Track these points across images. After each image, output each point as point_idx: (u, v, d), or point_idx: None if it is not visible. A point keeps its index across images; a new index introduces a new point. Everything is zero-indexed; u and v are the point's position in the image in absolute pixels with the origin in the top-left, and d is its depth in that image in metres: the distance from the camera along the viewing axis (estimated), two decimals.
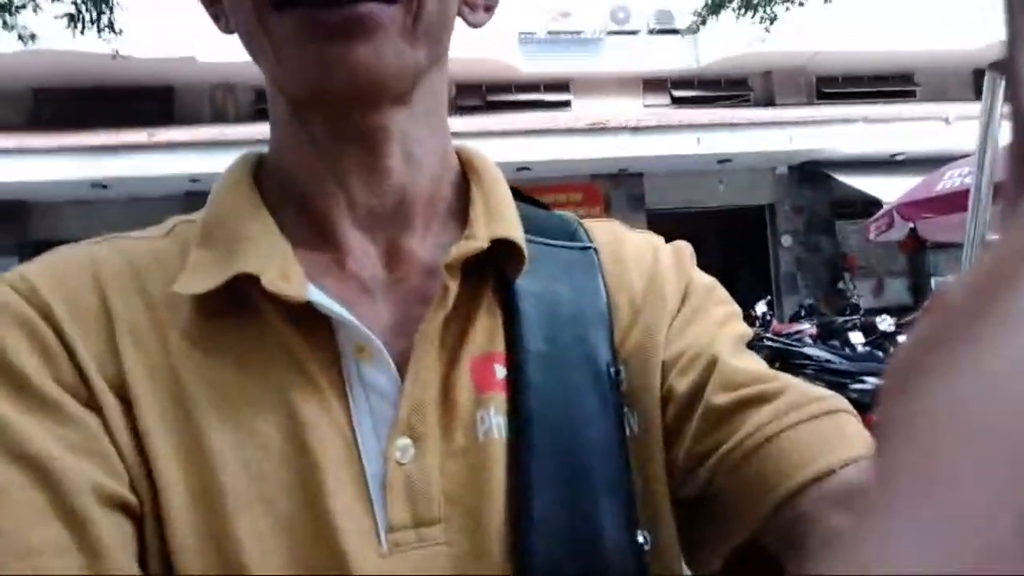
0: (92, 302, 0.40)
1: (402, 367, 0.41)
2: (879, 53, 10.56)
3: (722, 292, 0.51)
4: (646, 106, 11.00)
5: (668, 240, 0.54)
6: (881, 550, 0.13)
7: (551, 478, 0.40)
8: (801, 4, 7.56)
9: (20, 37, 6.30)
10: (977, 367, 0.13)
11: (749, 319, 6.98)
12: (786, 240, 10.18)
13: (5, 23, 5.85)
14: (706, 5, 7.86)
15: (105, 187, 8.55)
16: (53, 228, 9.20)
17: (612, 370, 0.44)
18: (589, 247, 0.50)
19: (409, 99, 0.43)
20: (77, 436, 0.36)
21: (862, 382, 4.16)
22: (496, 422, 0.41)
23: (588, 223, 0.53)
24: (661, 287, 0.49)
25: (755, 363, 0.45)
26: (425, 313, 0.42)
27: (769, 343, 5.00)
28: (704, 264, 0.52)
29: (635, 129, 8.91)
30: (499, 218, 0.46)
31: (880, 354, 5.54)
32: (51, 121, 9.24)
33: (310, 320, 0.40)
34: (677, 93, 11.08)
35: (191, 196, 9.20)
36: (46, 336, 0.38)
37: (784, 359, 4.56)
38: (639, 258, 0.51)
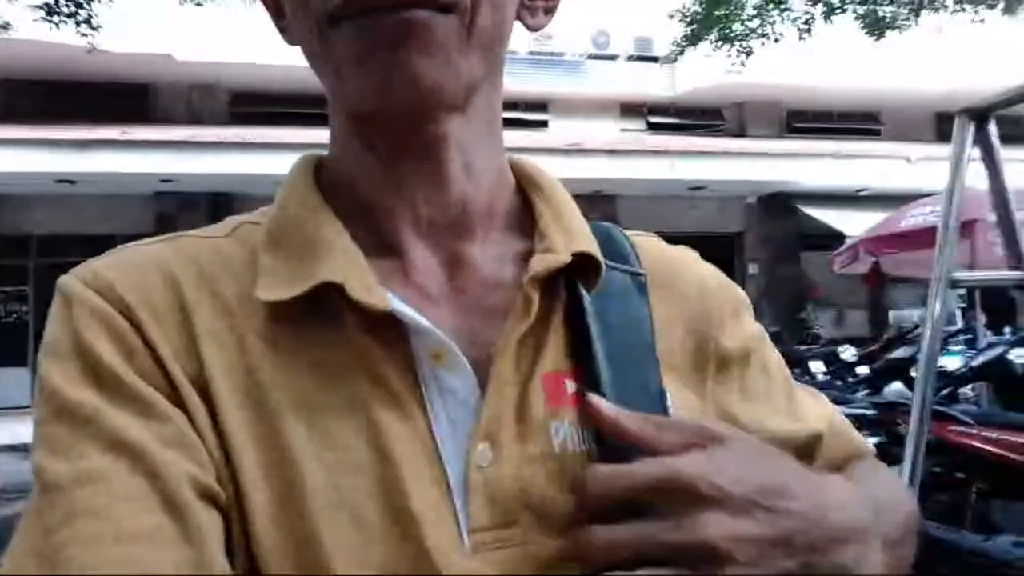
0: (167, 300, 0.40)
1: (476, 374, 0.41)
2: (848, 91, 10.92)
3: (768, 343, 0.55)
4: (622, 130, 11.19)
5: None
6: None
7: None
8: (776, 40, 7.82)
9: None
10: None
11: None
12: (752, 268, 10.40)
13: None
14: (685, 36, 8.07)
15: (73, 183, 8.37)
16: (17, 222, 8.97)
17: (664, 402, 0.46)
18: (641, 274, 0.50)
19: (465, 109, 0.43)
20: (167, 430, 0.37)
21: None
22: (570, 433, 0.42)
23: (635, 239, 0.53)
24: (707, 327, 0.51)
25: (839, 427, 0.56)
26: (496, 323, 0.43)
27: None
28: None
29: (611, 152, 9.06)
30: (575, 233, 0.47)
31: (839, 383, 5.68)
32: (21, 113, 9.03)
33: (385, 327, 0.40)
34: (653, 119, 11.30)
35: (162, 196, 9.06)
36: (127, 332, 0.39)
37: None
38: (685, 288, 0.52)
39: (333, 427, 0.39)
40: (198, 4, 6.74)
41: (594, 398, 0.41)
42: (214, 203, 9.20)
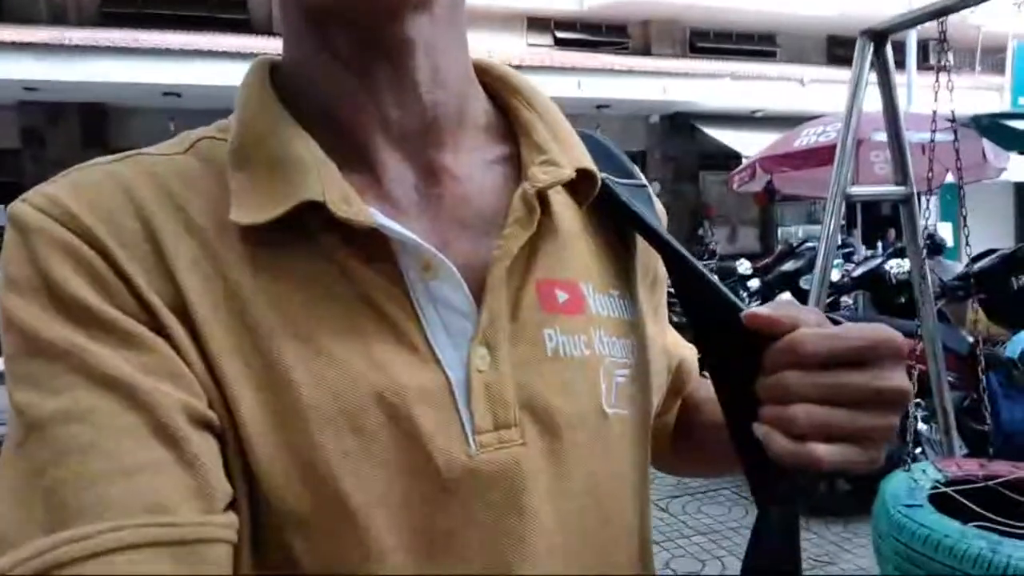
0: (134, 225, 0.38)
1: (468, 281, 0.41)
2: (747, 12, 11.11)
3: None
4: (529, 45, 10.96)
5: None
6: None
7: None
8: None
9: None
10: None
11: None
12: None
13: None
14: None
15: None
16: None
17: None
18: (645, 185, 0.53)
19: (430, 6, 0.41)
20: (152, 360, 0.35)
21: None
22: (562, 340, 0.43)
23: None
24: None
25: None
26: (478, 231, 0.43)
27: None
28: None
29: (518, 67, 8.83)
30: (572, 145, 0.47)
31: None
32: None
33: (368, 241, 0.40)
34: (560, 34, 11.11)
35: (27, 106, 8.19)
36: (95, 262, 0.36)
37: None
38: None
39: (325, 343, 0.38)
40: None
41: (753, 311, 0.43)
42: (87, 114, 8.42)
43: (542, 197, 0.44)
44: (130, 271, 0.37)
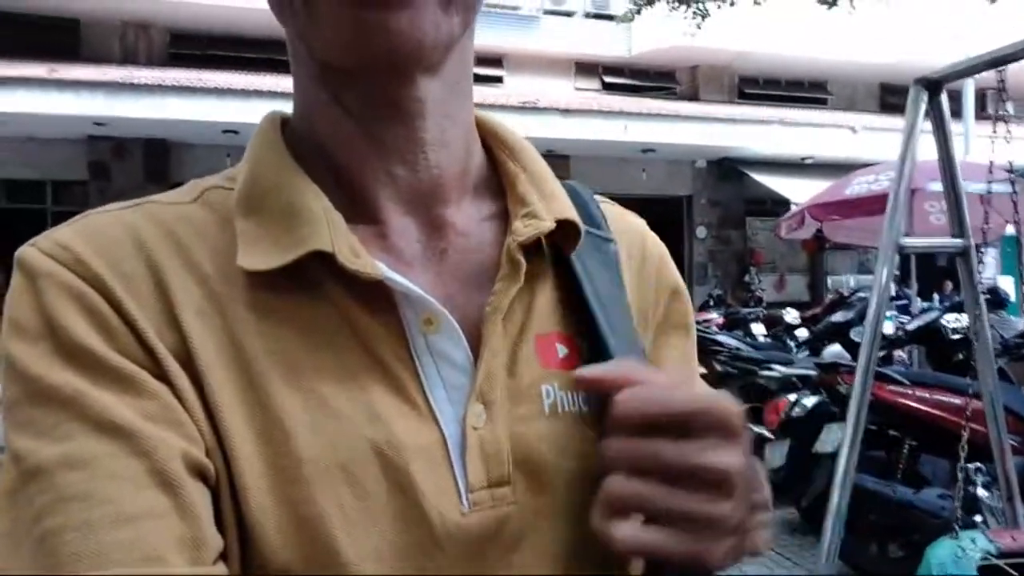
0: (141, 271, 0.39)
1: (469, 336, 0.42)
2: (798, 59, 11.08)
3: (688, 303, 0.57)
4: (577, 89, 11.11)
5: None
6: None
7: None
8: (732, 4, 7.83)
9: None
10: None
11: None
12: (700, 232, 10.59)
13: None
14: None
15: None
16: None
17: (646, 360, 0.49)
18: (611, 239, 0.52)
19: (441, 68, 0.42)
20: (154, 407, 0.35)
21: (769, 369, 4.44)
22: (560, 396, 0.43)
23: (599, 201, 0.55)
24: (649, 286, 0.53)
25: None
26: (478, 287, 0.43)
27: None
28: None
29: (565, 111, 8.99)
30: (554, 197, 0.47)
31: (781, 345, 5.89)
32: None
33: (372, 293, 0.40)
34: (608, 79, 11.25)
35: (95, 140, 8.61)
36: (102, 308, 0.37)
37: (700, 346, 4.78)
38: (645, 257, 0.54)
39: (325, 394, 0.38)
40: None
41: (583, 371, 0.40)
42: (150, 149, 8.80)
43: (529, 249, 0.44)
44: (136, 317, 0.37)
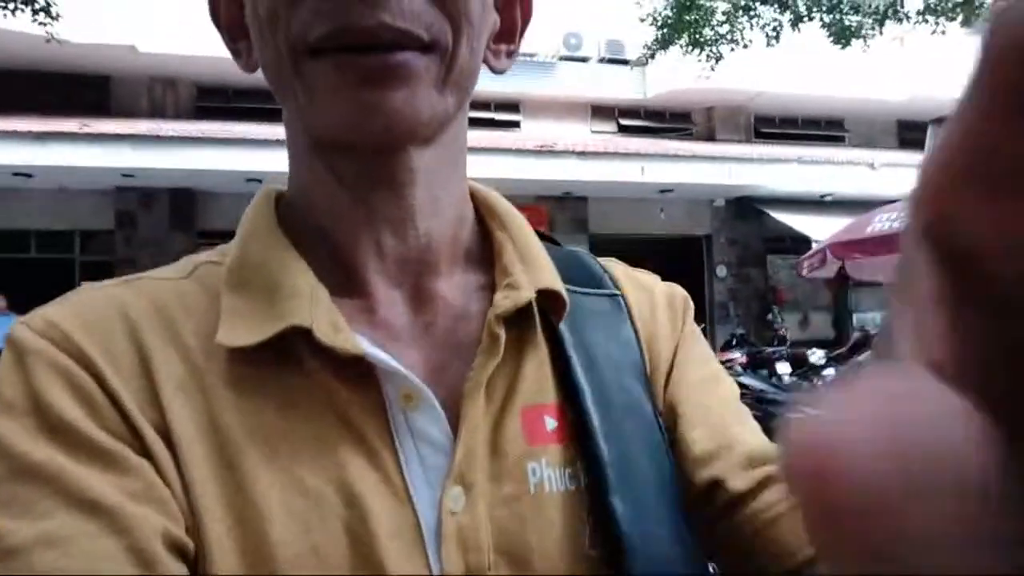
0: (127, 348, 0.39)
1: (448, 415, 0.41)
2: (813, 98, 11.12)
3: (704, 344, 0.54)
4: (593, 132, 11.23)
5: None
6: None
7: (631, 519, 0.41)
8: (745, 46, 7.92)
9: None
10: None
11: None
12: (720, 271, 10.53)
13: None
14: (656, 39, 8.13)
15: (30, 176, 8.10)
16: None
17: (659, 420, 0.46)
18: (617, 294, 0.51)
19: (434, 141, 0.43)
20: (136, 484, 0.36)
21: (796, 411, 4.34)
22: (547, 474, 0.42)
23: (602, 261, 0.54)
24: (656, 336, 0.51)
25: (758, 435, 0.48)
26: (465, 360, 0.42)
27: None
28: None
29: (582, 153, 9.07)
30: (537, 266, 0.46)
31: (807, 384, 5.77)
32: None
33: (353, 369, 0.40)
34: (624, 122, 11.36)
35: (122, 192, 8.84)
36: (87, 385, 0.37)
37: None
38: (657, 307, 0.52)
39: (301, 473, 0.38)
40: None
41: None
42: (176, 199, 9.00)
43: (513, 320, 0.43)
44: (120, 393, 0.37)
